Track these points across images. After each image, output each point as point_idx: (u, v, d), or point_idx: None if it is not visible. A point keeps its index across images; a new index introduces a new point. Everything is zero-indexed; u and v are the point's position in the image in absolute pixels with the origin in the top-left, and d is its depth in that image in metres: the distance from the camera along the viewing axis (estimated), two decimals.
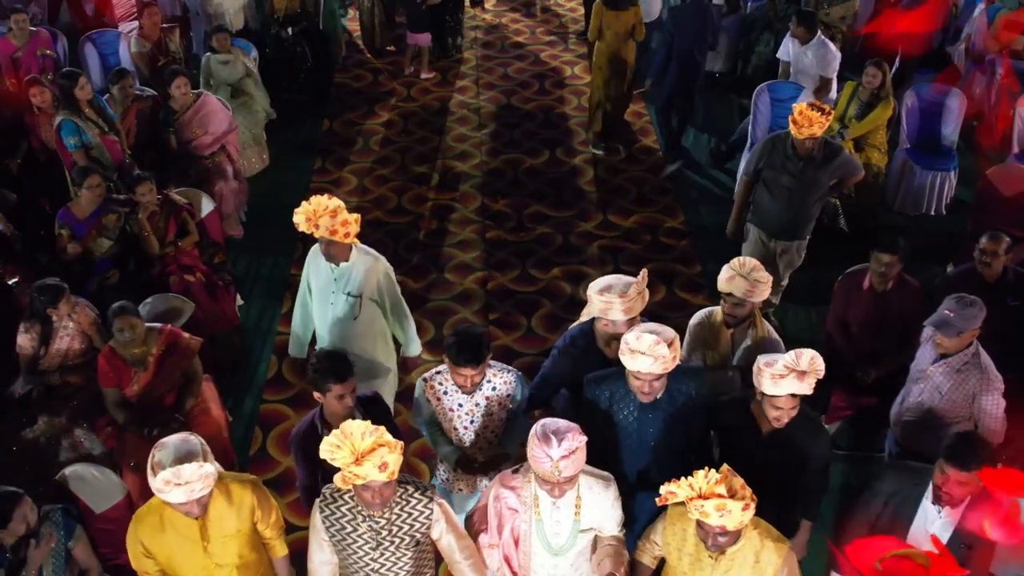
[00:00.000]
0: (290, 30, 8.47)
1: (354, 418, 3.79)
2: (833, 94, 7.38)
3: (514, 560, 3.69)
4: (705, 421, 4.00)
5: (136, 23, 8.00)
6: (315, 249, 4.79)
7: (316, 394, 3.84)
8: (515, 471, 3.62)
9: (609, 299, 3.93)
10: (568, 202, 7.45)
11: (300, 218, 4.47)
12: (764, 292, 4.24)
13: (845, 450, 5.34)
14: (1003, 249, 4.99)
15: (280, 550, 3.90)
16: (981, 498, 3.55)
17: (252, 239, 7.03)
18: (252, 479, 3.73)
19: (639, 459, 3.97)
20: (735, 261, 4.27)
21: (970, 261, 5.19)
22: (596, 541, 3.66)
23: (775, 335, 4.48)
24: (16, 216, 6.14)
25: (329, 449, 3.24)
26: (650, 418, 3.86)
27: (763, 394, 3.71)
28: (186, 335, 4.99)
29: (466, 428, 4.13)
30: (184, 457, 3.35)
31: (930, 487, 3.63)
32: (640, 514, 4.04)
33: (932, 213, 7.23)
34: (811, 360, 3.63)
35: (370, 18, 9.46)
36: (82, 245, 5.71)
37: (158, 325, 4.94)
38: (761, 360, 3.69)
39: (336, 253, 4.59)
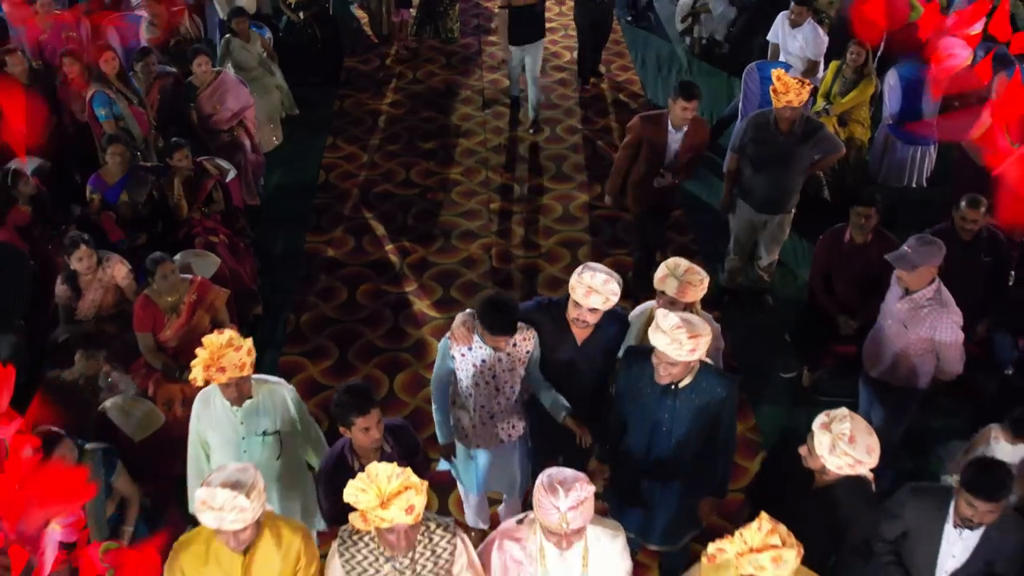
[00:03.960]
0: (302, 15, 8.85)
1: (383, 448, 3.82)
2: (820, 75, 7.77)
3: None
4: (731, 428, 4.05)
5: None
6: (202, 398, 4.24)
7: (342, 428, 3.75)
8: (519, 521, 3.52)
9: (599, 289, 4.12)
10: (568, 176, 7.84)
11: (198, 371, 3.89)
12: (696, 293, 4.27)
13: (827, 396, 5.72)
14: (981, 213, 5.37)
15: None
16: None
17: (269, 210, 7.40)
18: (303, 527, 3.68)
19: (650, 442, 4.09)
20: (670, 261, 4.35)
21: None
22: None
23: (714, 324, 4.50)
24: (50, 185, 6.51)
25: (354, 492, 3.17)
26: (667, 404, 3.97)
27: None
28: (215, 286, 5.37)
29: (487, 384, 4.26)
30: (231, 484, 3.28)
31: (951, 512, 3.63)
32: (650, 501, 4.23)
33: (914, 185, 7.61)
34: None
35: (378, 6, 9.84)
36: (115, 212, 6.11)
37: (189, 276, 5.32)
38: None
39: (245, 390, 4.07)
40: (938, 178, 7.54)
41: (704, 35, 9.55)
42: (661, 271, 4.33)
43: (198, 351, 3.92)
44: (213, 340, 3.91)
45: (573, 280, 4.14)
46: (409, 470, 3.19)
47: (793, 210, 6.11)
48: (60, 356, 5.31)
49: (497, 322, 4.01)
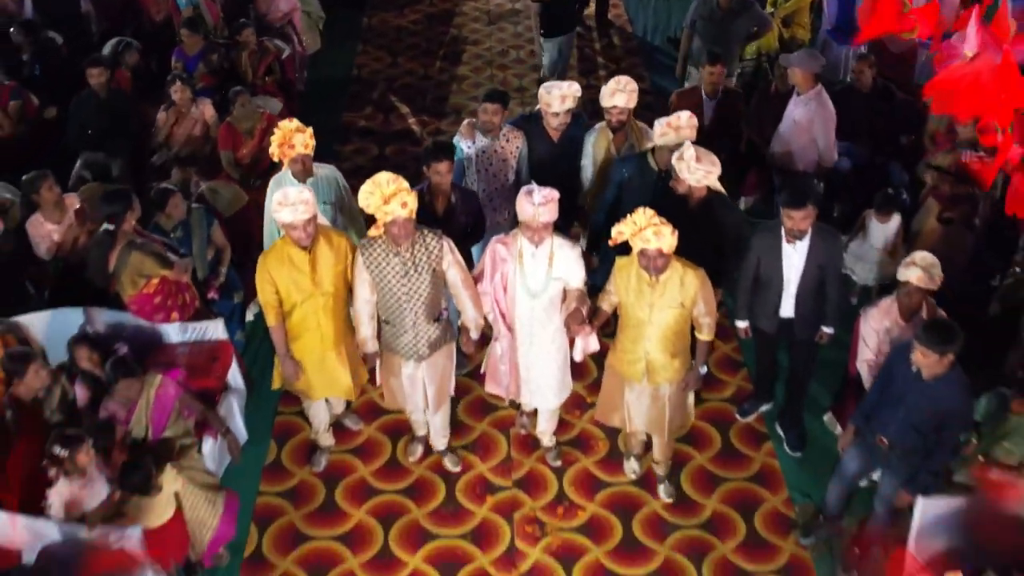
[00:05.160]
0: None
1: (450, 197, 5.15)
2: None
3: (502, 302, 4.88)
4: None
5: None
6: (274, 182, 5.43)
7: (424, 169, 5.13)
8: (506, 234, 4.82)
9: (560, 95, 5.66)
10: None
11: (274, 147, 5.19)
12: (635, 98, 5.61)
13: (757, 218, 7.21)
14: (868, 65, 6.90)
15: None
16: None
17: (311, 96, 8.97)
18: (346, 234, 4.93)
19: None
20: (614, 81, 5.54)
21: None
22: (565, 295, 4.80)
23: (647, 128, 5.76)
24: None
25: (365, 196, 4.35)
26: (659, 187, 5.19)
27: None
28: (279, 119, 6.91)
29: (487, 170, 5.78)
30: (294, 187, 4.66)
31: (783, 234, 4.85)
32: None
33: (848, 80, 9.09)
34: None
35: None
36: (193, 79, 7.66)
37: (261, 108, 6.88)
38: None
39: (309, 167, 5.38)
40: None
41: None
42: (608, 89, 5.64)
43: (275, 131, 5.26)
44: (285, 125, 5.25)
45: (544, 98, 5.66)
46: (402, 178, 4.42)
47: (735, 76, 7.64)
48: (159, 175, 6.85)
49: (493, 94, 5.64)
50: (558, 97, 5.64)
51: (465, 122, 5.94)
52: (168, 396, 4.71)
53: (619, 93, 5.64)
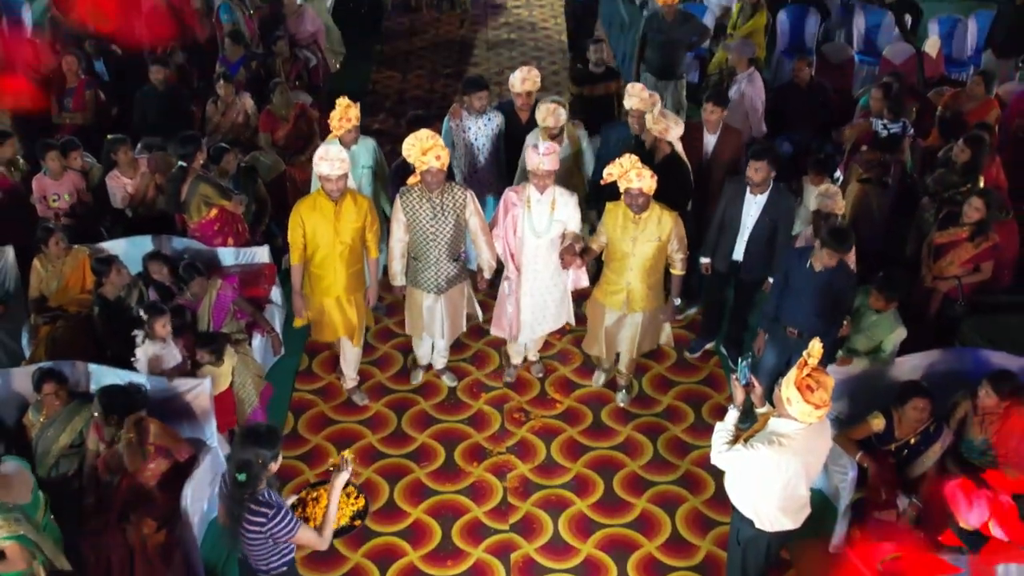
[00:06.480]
0: None
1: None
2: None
3: (512, 243, 5.83)
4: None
5: None
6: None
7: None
8: (519, 185, 6.05)
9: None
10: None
11: (335, 120, 6.15)
12: (560, 118, 6.39)
13: None
14: (806, 64, 8.24)
15: (374, 253, 5.78)
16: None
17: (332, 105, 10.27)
18: (369, 199, 5.77)
19: None
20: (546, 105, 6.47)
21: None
22: (563, 237, 5.78)
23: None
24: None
25: (407, 147, 5.43)
26: (634, 147, 6.18)
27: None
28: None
29: (473, 143, 6.92)
30: (333, 147, 5.51)
31: (748, 186, 5.88)
32: None
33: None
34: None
35: None
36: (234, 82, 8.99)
37: (295, 101, 8.19)
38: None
39: (357, 136, 6.36)
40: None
41: None
42: (541, 111, 6.54)
43: (337, 107, 6.22)
44: (341, 102, 6.20)
45: (511, 80, 6.84)
46: (439, 136, 5.61)
47: (684, 77, 8.94)
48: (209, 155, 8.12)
49: (479, 82, 6.86)
50: (519, 80, 6.85)
51: (454, 105, 7.20)
52: (226, 297, 5.89)
53: (551, 117, 6.40)
